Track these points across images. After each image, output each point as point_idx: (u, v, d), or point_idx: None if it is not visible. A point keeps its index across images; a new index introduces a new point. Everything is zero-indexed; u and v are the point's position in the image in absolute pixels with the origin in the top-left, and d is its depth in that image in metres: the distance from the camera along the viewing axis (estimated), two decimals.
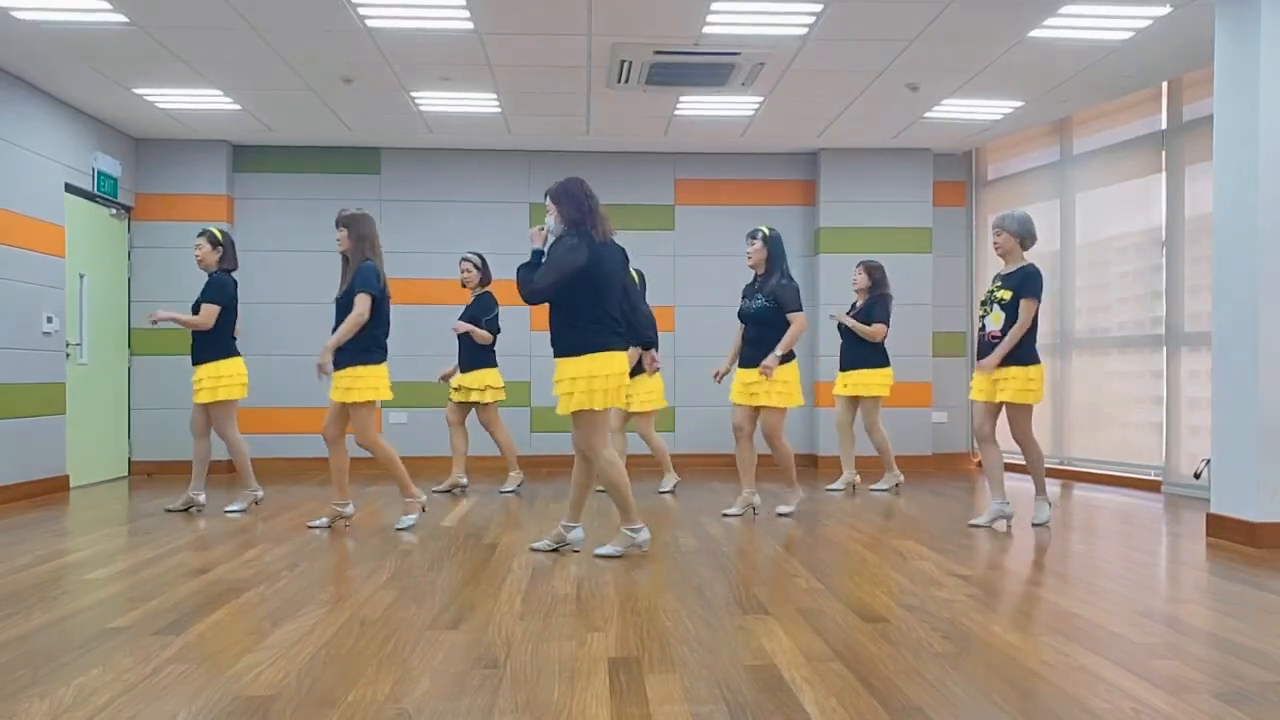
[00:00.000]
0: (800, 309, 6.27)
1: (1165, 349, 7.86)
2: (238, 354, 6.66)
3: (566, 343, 4.89)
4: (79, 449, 8.30)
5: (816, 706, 2.76)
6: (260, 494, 6.85)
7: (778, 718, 2.68)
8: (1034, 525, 5.94)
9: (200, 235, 6.68)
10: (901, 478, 7.93)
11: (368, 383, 5.81)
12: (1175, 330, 7.75)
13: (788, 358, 6.24)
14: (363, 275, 5.76)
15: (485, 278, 7.75)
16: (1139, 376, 8.30)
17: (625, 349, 4.98)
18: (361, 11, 6.15)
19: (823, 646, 3.36)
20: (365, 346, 5.79)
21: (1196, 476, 7.24)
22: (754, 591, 4.23)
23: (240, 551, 5.17)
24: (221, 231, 6.71)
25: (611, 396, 4.86)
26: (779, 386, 6.25)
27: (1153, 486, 7.89)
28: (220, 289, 6.54)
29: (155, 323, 6.61)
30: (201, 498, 6.78)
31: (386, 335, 5.97)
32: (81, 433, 8.35)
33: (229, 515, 6.47)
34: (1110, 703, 2.79)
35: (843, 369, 7.84)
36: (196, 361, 6.56)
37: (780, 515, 6.46)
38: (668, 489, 7.78)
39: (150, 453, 9.29)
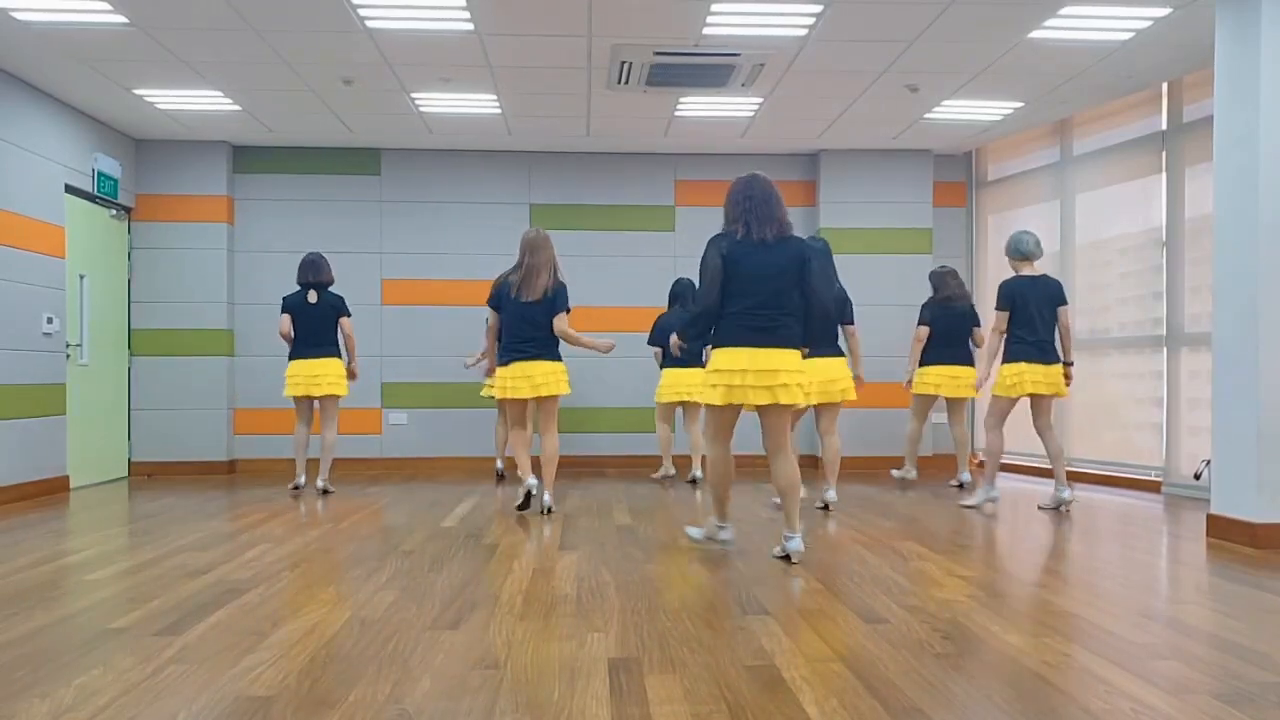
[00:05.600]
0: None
1: (1165, 350, 7.86)
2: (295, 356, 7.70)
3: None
4: (79, 449, 8.30)
5: (816, 707, 2.76)
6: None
7: (778, 718, 2.68)
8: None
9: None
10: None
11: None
12: (1175, 331, 7.76)
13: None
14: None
15: None
16: (1139, 377, 8.30)
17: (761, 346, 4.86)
18: (362, 12, 6.15)
19: (823, 647, 3.36)
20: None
21: (1197, 477, 7.24)
22: (754, 592, 4.23)
23: (240, 552, 5.17)
24: None
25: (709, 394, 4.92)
26: None
27: (1153, 487, 7.89)
28: None
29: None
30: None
31: (507, 338, 6.53)
32: (81, 433, 8.35)
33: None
34: (1110, 703, 2.79)
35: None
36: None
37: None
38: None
39: (150, 453, 9.30)
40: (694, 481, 8.22)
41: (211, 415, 9.40)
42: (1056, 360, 6.67)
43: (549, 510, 6.51)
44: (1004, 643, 3.42)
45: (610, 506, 7.00)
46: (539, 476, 6.58)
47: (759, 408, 4.93)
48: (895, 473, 8.53)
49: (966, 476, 7.98)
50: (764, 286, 4.83)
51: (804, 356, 5.01)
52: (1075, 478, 8.69)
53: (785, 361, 4.83)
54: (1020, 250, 6.76)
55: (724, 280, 4.83)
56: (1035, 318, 6.61)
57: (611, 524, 6.19)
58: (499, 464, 8.72)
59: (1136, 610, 3.94)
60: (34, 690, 2.91)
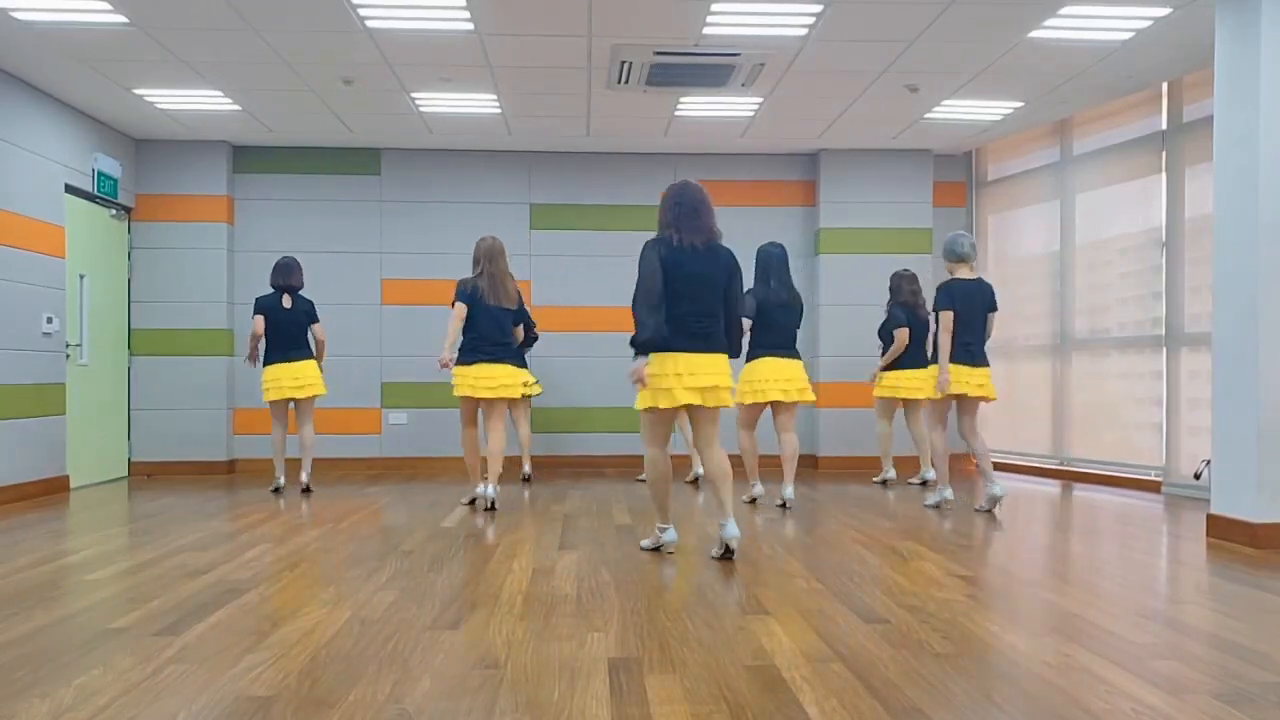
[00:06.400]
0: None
1: (1165, 350, 7.86)
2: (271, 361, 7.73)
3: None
4: (79, 449, 8.30)
5: (816, 707, 2.76)
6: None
7: (778, 718, 2.68)
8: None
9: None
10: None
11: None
12: (1175, 331, 7.76)
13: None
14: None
15: None
16: (1139, 377, 8.30)
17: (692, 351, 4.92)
18: (361, 12, 6.15)
19: (823, 647, 3.36)
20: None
21: (1196, 477, 7.24)
22: (754, 592, 4.23)
23: (240, 552, 5.18)
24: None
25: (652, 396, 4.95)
26: None
27: (1153, 487, 7.89)
28: None
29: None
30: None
31: (474, 339, 6.68)
32: (81, 433, 8.35)
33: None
34: (1110, 703, 2.79)
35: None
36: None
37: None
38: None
39: (150, 453, 9.30)
40: (694, 481, 8.21)
41: (211, 415, 9.40)
42: (986, 364, 6.72)
43: (493, 506, 6.68)
44: (1004, 643, 3.42)
45: (610, 506, 7.00)
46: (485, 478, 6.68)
47: (691, 409, 5.03)
48: (876, 479, 8.58)
49: (930, 474, 8.12)
50: (700, 293, 4.92)
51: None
52: (1075, 478, 8.71)
53: (719, 366, 4.96)
54: (956, 253, 6.74)
55: (662, 283, 4.87)
56: (967, 321, 6.65)
57: (611, 524, 6.19)
58: (526, 468, 8.62)
59: (1136, 610, 3.94)
60: (34, 690, 2.92)
